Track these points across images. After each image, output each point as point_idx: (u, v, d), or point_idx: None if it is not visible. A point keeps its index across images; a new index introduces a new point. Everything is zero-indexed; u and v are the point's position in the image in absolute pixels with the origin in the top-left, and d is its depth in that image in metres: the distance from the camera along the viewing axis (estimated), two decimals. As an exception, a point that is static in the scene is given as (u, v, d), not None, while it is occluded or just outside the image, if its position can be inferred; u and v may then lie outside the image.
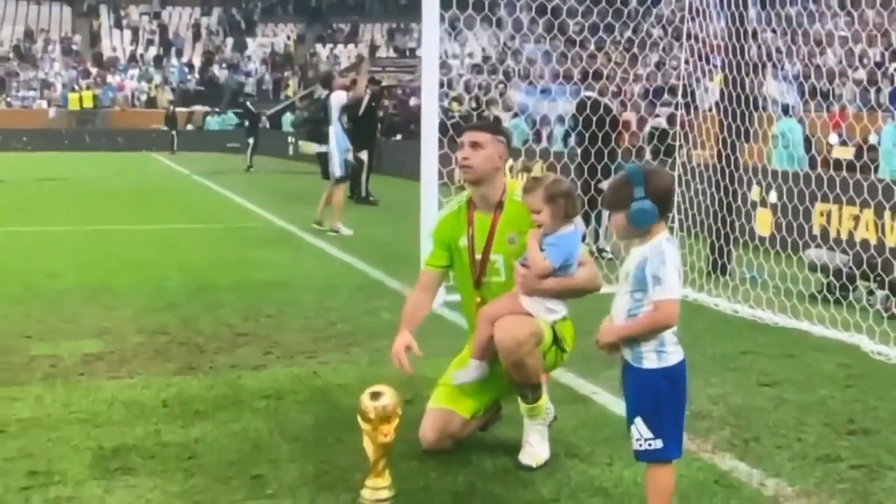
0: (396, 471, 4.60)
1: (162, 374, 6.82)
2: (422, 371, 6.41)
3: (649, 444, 3.92)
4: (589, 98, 12.70)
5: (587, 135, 12.26)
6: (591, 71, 13.08)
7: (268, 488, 4.70)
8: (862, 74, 17.99)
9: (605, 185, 12.64)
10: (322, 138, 16.13)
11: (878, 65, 17.67)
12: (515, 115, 22.38)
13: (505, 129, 5.59)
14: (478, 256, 5.25)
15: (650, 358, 3.96)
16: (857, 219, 11.82)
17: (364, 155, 20.62)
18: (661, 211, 3.89)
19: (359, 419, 4.51)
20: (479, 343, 5.02)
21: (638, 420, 3.93)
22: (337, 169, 15.64)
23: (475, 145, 5.18)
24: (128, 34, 62.59)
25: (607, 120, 12.27)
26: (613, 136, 12.43)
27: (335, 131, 15.76)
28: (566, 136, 18.47)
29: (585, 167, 12.31)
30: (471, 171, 5.20)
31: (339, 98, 16.04)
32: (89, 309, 9.06)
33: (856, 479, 4.92)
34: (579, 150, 12.78)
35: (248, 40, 62.51)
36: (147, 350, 7.51)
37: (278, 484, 4.75)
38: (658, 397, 3.92)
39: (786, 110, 14.80)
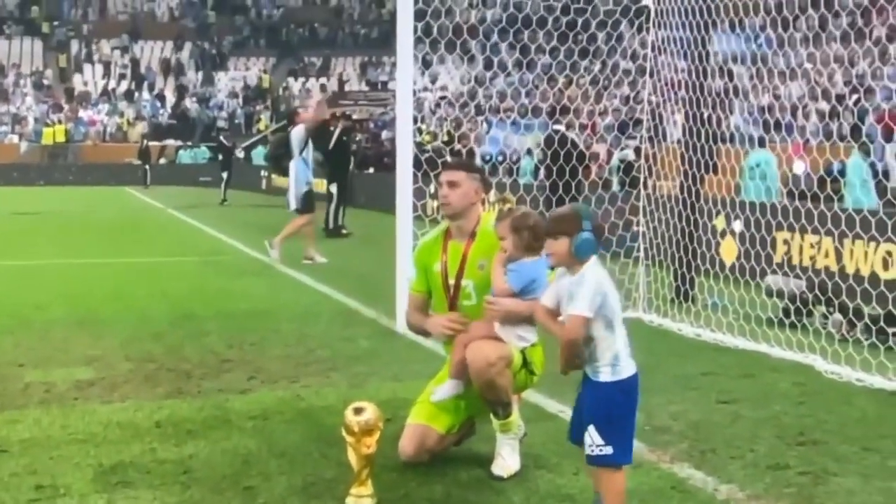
0: (378, 481, 5.00)
1: (152, 398, 7.17)
2: (400, 393, 6.84)
3: (601, 450, 4.34)
4: (557, 132, 13.16)
5: (555, 168, 12.71)
6: (558, 106, 13.54)
7: (259, 499, 5.07)
8: (824, 106, 18.56)
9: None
10: (285, 172, 16.47)
11: (840, 98, 18.25)
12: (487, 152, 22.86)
13: (479, 166, 6.02)
14: (451, 281, 5.68)
15: (605, 372, 4.41)
16: (817, 246, 12.28)
17: (334, 188, 21.06)
18: (599, 245, 4.42)
19: (343, 432, 4.91)
20: (455, 363, 5.43)
21: (591, 428, 4.35)
22: (293, 201, 15.93)
23: (452, 184, 5.61)
24: (99, 68, 62.81)
25: (574, 154, 12.72)
26: (580, 169, 12.88)
27: (296, 165, 16.04)
28: (535, 169, 18.95)
29: (553, 199, 12.76)
30: (448, 208, 5.65)
31: (298, 132, 16.31)
32: (78, 338, 9.40)
33: (802, 485, 5.34)
34: (547, 183, 13.23)
35: (221, 74, 62.87)
36: (136, 376, 7.86)
37: (269, 495, 5.12)
38: (610, 408, 4.37)
39: (761, 143, 15.23)
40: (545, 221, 4.74)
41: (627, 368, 4.43)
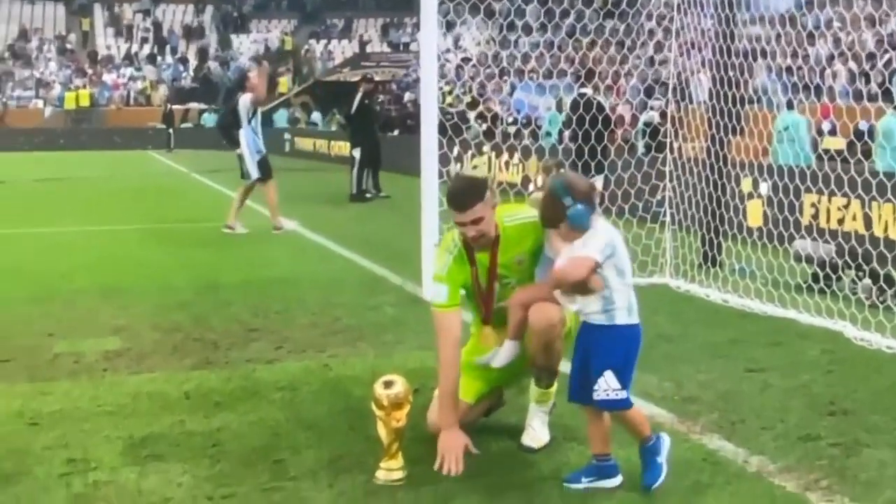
0: (408, 454, 4.99)
1: (180, 369, 7.19)
2: (428, 362, 6.82)
3: (616, 395, 4.63)
4: (583, 96, 13.04)
5: (580, 132, 12.62)
6: (584, 70, 13.41)
7: (289, 471, 5.07)
8: (853, 66, 18.37)
9: (597, 181, 13.02)
10: (234, 142, 15.88)
11: (870, 56, 18.04)
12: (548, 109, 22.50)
13: (479, 183, 5.50)
14: (483, 286, 5.44)
15: (622, 315, 4.68)
16: (845, 210, 12.17)
17: (357, 152, 21.00)
18: (591, 208, 4.63)
19: (372, 406, 4.91)
20: (513, 324, 5.33)
21: (608, 373, 4.60)
22: (253, 171, 15.58)
23: (476, 221, 5.22)
24: (122, 32, 62.80)
25: (599, 118, 12.61)
26: (606, 133, 12.76)
27: (245, 134, 15.58)
28: (560, 132, 18.82)
29: (579, 164, 12.68)
30: (484, 240, 5.30)
31: (245, 102, 15.72)
32: (104, 308, 9.42)
33: (834, 456, 5.31)
34: (573, 147, 13.14)
35: (243, 36, 62.73)
36: (164, 346, 7.88)
37: (299, 468, 5.12)
38: (628, 349, 4.69)
39: (789, 105, 15.06)
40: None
41: (637, 316, 4.76)
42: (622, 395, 4.65)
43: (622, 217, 12.68)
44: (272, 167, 15.98)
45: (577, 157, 12.79)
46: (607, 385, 4.61)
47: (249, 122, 15.56)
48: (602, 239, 4.63)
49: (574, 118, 12.81)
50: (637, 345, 4.77)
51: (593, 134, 12.46)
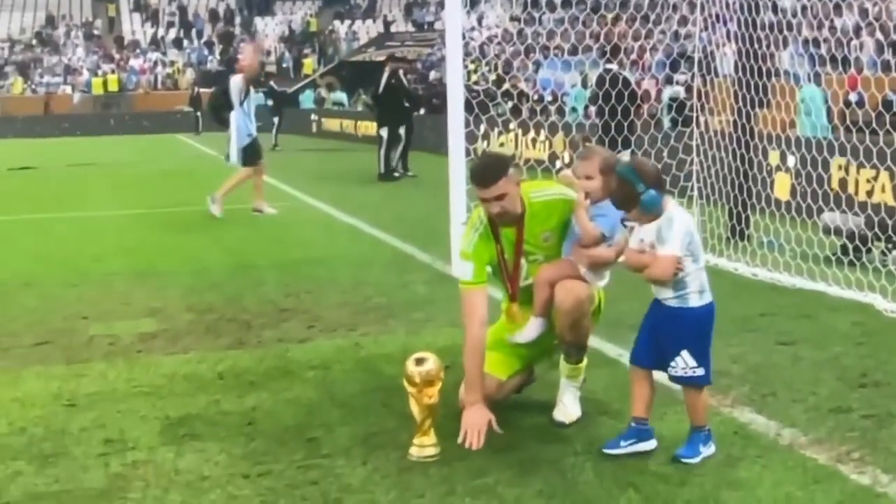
0: (440, 430, 5.04)
1: (214, 349, 7.28)
2: (458, 339, 6.84)
3: (694, 371, 4.79)
4: (609, 72, 13.00)
5: (607, 108, 12.59)
6: (609, 45, 13.36)
7: (323, 449, 5.14)
8: (880, 37, 18.19)
9: (625, 156, 13.00)
10: (224, 123, 15.46)
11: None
12: (573, 86, 22.40)
13: (502, 160, 5.52)
14: (509, 264, 5.47)
15: (694, 298, 4.79)
16: (873, 181, 12.11)
17: (384, 132, 21.03)
18: (662, 191, 4.70)
19: (405, 383, 4.96)
20: (539, 302, 5.37)
21: (685, 353, 4.76)
22: (234, 156, 15.19)
23: (500, 197, 5.24)
24: (148, 17, 63.01)
25: (626, 93, 12.57)
26: (633, 108, 12.72)
27: (236, 116, 15.12)
28: (586, 108, 18.78)
29: (606, 140, 12.67)
30: (507, 216, 5.33)
31: (237, 82, 15.22)
32: (138, 290, 9.53)
33: (865, 428, 5.32)
34: (600, 124, 13.12)
35: (268, 19, 62.82)
36: (198, 327, 7.97)
37: (333, 445, 5.19)
38: (702, 330, 4.83)
39: (816, 78, 15.00)
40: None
41: (709, 294, 4.87)
42: (700, 371, 4.80)
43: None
44: (261, 149, 15.65)
45: (603, 132, 12.78)
46: (685, 363, 4.78)
47: (241, 103, 15.10)
48: (680, 230, 4.70)
49: (600, 94, 12.76)
50: (711, 323, 4.89)
51: (620, 109, 12.44)
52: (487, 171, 5.30)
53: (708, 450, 4.89)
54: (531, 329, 5.42)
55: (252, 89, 15.44)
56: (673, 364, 4.80)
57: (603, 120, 12.82)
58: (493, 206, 5.27)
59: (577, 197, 5.24)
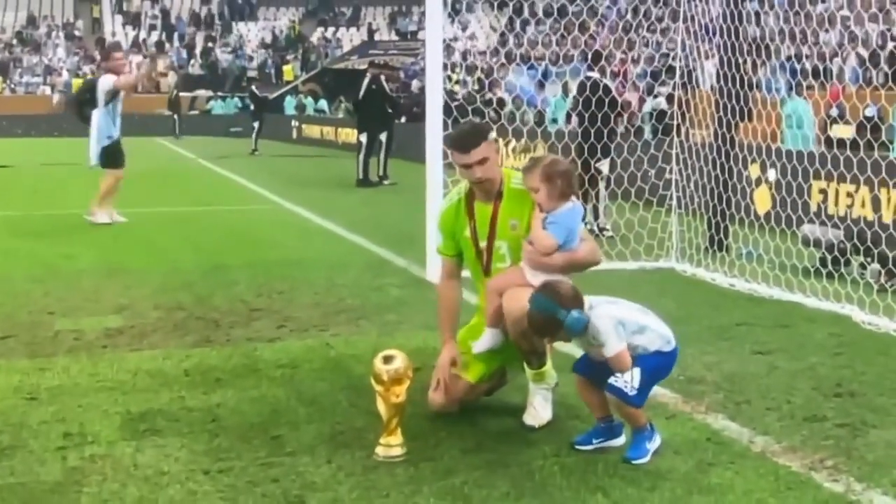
0: (408, 430, 4.94)
1: (181, 346, 7.14)
2: (430, 342, 6.77)
3: (631, 390, 4.74)
4: (589, 79, 12.93)
5: (587, 115, 12.52)
6: (591, 53, 13.30)
7: (287, 447, 5.02)
8: (862, 52, 18.24)
9: (604, 164, 12.94)
10: (85, 119, 14.52)
11: (880, 41, 17.89)
12: (517, 98, 22.51)
13: (483, 126, 5.73)
14: (483, 244, 5.51)
15: (657, 348, 4.91)
16: (853, 195, 12.09)
17: (363, 137, 20.94)
18: (581, 308, 4.71)
19: (372, 381, 4.85)
20: (491, 313, 5.32)
21: (636, 370, 4.73)
22: (94, 156, 14.41)
23: (482, 161, 5.31)
24: (130, 19, 62.74)
25: (607, 101, 12.51)
26: (612, 116, 12.63)
27: (98, 117, 14.30)
28: (567, 115, 18.72)
29: (585, 147, 12.60)
30: (489, 183, 5.40)
31: (106, 82, 14.29)
32: (107, 287, 9.37)
33: (840, 436, 5.24)
34: (579, 131, 13.04)
35: (251, 24, 62.68)
36: (165, 325, 7.83)
37: (297, 443, 5.07)
38: (659, 368, 4.92)
39: (797, 90, 14.97)
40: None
41: (673, 341, 4.94)
42: (634, 392, 4.74)
43: (628, 200, 12.65)
44: (124, 156, 14.65)
45: (583, 139, 12.71)
46: (631, 378, 4.74)
47: (107, 104, 14.24)
48: (608, 328, 4.73)
49: (581, 100, 12.66)
50: (670, 365, 4.98)
51: (600, 116, 12.37)
52: (468, 136, 5.39)
53: (654, 444, 4.89)
54: (485, 340, 5.37)
55: (122, 95, 14.49)
56: (622, 375, 4.75)
57: (583, 127, 12.74)
58: (474, 171, 5.33)
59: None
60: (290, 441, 5.10)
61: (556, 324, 4.69)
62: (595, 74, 12.98)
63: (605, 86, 12.93)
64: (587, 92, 12.55)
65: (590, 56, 13.22)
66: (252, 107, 37.34)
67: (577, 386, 5.09)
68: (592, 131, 12.31)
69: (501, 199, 5.45)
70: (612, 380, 4.77)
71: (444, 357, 5.46)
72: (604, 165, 12.99)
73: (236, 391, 5.98)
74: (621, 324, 4.76)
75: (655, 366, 4.84)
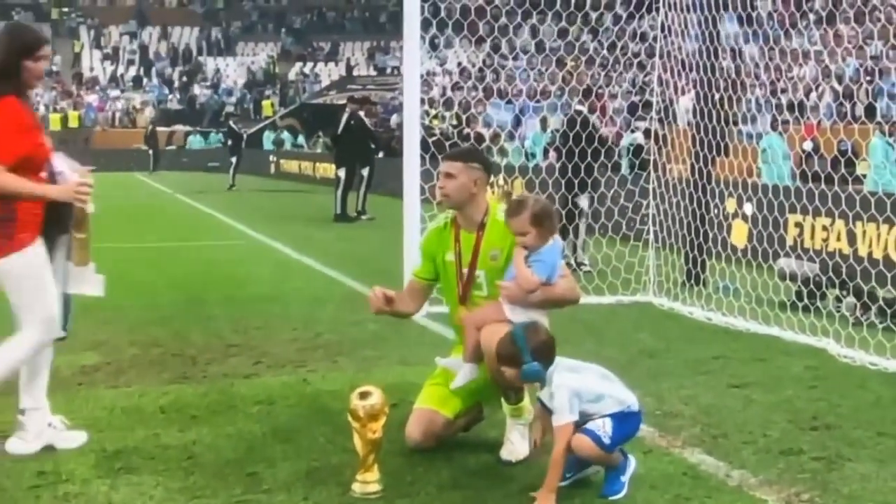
0: (385, 467, 4.92)
1: (157, 383, 7.11)
2: (408, 377, 6.76)
3: (605, 437, 4.75)
4: (579, 114, 12.94)
5: (564, 150, 12.56)
6: (582, 88, 13.33)
7: (263, 484, 4.99)
8: (837, 87, 18.42)
9: (583, 199, 12.98)
10: None
11: (854, 78, 18.05)
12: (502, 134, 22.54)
13: (480, 155, 5.82)
14: (464, 271, 5.56)
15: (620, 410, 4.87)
16: (829, 229, 12.16)
17: (342, 172, 20.96)
18: (547, 363, 4.76)
19: (349, 418, 4.83)
20: (469, 348, 5.33)
21: (609, 420, 4.77)
22: None
23: (448, 176, 5.50)
24: (108, 54, 62.77)
25: (584, 135, 12.53)
26: (589, 151, 12.66)
27: None
28: (545, 150, 18.79)
29: (563, 181, 12.65)
30: (447, 199, 5.57)
31: None
32: (84, 323, 9.23)
33: (816, 470, 5.25)
34: (557, 166, 13.08)
35: (229, 59, 62.81)
36: (142, 361, 7.79)
37: (273, 480, 5.04)
38: (628, 424, 4.90)
39: (773, 125, 15.09)
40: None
41: (636, 406, 4.94)
42: (608, 441, 4.74)
43: (605, 235, 12.68)
44: None
45: (560, 174, 12.75)
46: (605, 426, 4.76)
47: None
48: (564, 397, 4.73)
49: (571, 134, 12.60)
50: (635, 424, 4.96)
51: (580, 152, 12.39)
52: (456, 150, 5.71)
53: (628, 472, 4.91)
54: (463, 375, 5.37)
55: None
56: (597, 422, 4.77)
57: (560, 162, 12.78)
58: (441, 181, 5.53)
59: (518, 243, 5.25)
60: (266, 478, 5.07)
61: (516, 362, 4.77)
62: (584, 108, 12.99)
63: (594, 122, 12.99)
64: (577, 127, 12.50)
65: (581, 90, 13.23)
66: (229, 142, 37.34)
67: (536, 412, 5.11)
68: (570, 166, 12.35)
69: (484, 229, 5.53)
70: (589, 424, 4.77)
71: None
72: (583, 201, 13.02)
73: (212, 428, 5.95)
74: (577, 395, 4.76)
75: (622, 420, 4.82)
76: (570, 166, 12.37)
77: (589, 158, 12.67)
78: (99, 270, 5.84)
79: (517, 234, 5.22)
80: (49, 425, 5.52)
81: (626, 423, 4.84)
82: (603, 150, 12.76)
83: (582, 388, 4.79)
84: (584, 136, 12.43)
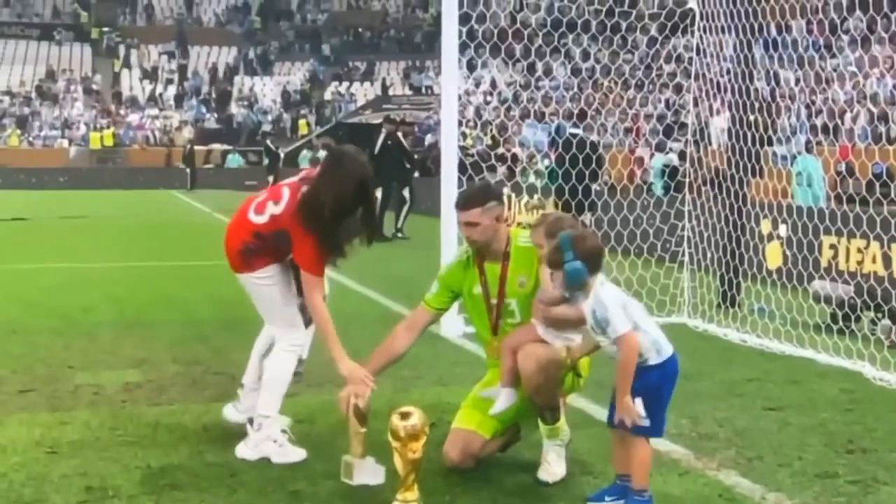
0: (424, 486, 4.99)
1: (199, 401, 7.24)
2: (445, 397, 6.85)
3: (641, 420, 4.74)
4: (575, 136, 13.04)
5: (561, 171, 12.64)
6: (576, 111, 13.44)
7: (306, 502, 5.09)
8: (872, 109, 18.40)
9: (586, 218, 13.07)
10: None
11: (888, 102, 18.04)
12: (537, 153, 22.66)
13: (489, 190, 5.80)
14: (493, 301, 5.67)
15: (652, 358, 4.82)
16: (864, 251, 12.15)
17: (378, 192, 21.08)
18: (592, 268, 4.74)
19: (389, 437, 4.92)
20: (506, 371, 5.43)
21: (638, 400, 4.73)
22: None
23: (470, 225, 5.58)
24: (147, 73, 63.48)
25: (594, 157, 12.58)
26: (588, 172, 12.65)
27: None
28: (551, 172, 18.88)
29: (560, 203, 12.74)
30: (476, 244, 5.66)
31: None
32: (125, 341, 9.49)
33: (851, 494, 5.29)
34: (553, 187, 13.18)
35: (266, 79, 63.33)
36: (184, 379, 7.94)
37: (315, 498, 5.15)
38: (661, 387, 4.84)
39: (808, 147, 15.11)
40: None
41: (667, 349, 4.87)
42: (644, 423, 4.76)
43: (641, 256, 12.72)
44: None
45: (557, 195, 12.82)
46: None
47: None
48: (614, 306, 4.73)
49: (567, 157, 12.67)
50: (672, 379, 4.90)
51: (577, 173, 12.44)
52: (466, 197, 5.65)
53: None
54: (503, 401, 5.46)
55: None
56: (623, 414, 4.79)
57: (557, 184, 12.87)
58: (464, 229, 5.62)
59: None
60: (308, 496, 5.17)
61: (557, 260, 4.78)
62: (579, 131, 13.10)
63: (592, 143, 13.07)
64: (574, 149, 12.56)
65: (575, 113, 13.34)
66: (267, 160, 37.61)
67: (612, 437, 5.06)
68: (567, 188, 12.39)
69: (509, 259, 5.63)
70: (619, 416, 4.80)
71: (349, 390, 5.66)
72: (586, 219, 13.11)
73: (254, 446, 6.06)
74: (624, 306, 4.77)
75: (654, 384, 4.80)
76: (566, 188, 12.42)
77: (586, 179, 12.69)
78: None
79: (536, 246, 5.39)
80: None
81: (659, 379, 4.82)
82: (639, 171, 12.83)
83: (629, 303, 4.83)
84: (586, 157, 12.45)
